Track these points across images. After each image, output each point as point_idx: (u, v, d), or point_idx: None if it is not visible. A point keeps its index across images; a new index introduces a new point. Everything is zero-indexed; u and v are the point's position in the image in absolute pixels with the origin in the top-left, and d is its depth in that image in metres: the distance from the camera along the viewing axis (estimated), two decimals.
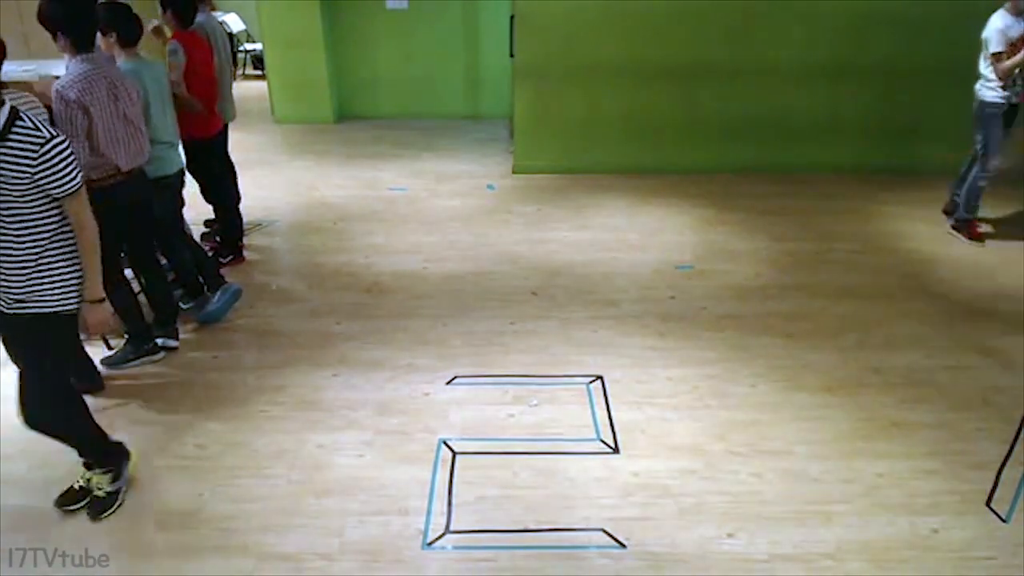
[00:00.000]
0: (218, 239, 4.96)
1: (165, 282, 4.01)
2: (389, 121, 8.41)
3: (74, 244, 2.51)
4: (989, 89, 5.01)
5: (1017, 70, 4.85)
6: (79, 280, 2.55)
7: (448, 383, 3.64)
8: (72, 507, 2.84)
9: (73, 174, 2.40)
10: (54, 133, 2.36)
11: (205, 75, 4.43)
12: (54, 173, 2.35)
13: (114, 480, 2.87)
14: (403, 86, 8.45)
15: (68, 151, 2.39)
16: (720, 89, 6.46)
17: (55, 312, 2.52)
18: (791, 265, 4.91)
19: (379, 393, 3.55)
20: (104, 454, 2.88)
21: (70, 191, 2.40)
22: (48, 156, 2.32)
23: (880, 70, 6.38)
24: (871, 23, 6.23)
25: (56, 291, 2.50)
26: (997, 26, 4.85)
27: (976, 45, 5.00)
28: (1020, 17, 4.82)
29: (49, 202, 2.41)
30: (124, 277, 3.78)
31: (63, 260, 2.50)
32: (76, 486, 2.88)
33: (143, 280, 3.93)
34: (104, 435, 2.88)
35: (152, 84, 3.80)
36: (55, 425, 2.71)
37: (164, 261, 4.45)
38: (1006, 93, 4.94)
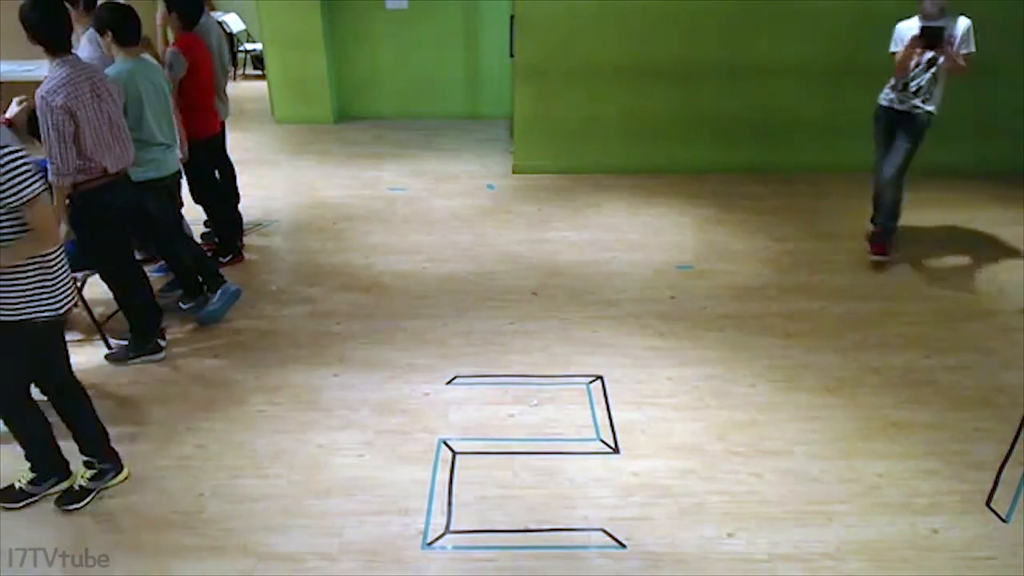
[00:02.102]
0: (216, 240, 4.95)
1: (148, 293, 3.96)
2: (389, 121, 8.41)
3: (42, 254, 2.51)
4: (884, 89, 4.78)
5: (914, 80, 4.56)
6: (52, 288, 2.56)
7: (448, 383, 3.64)
8: (72, 507, 2.84)
9: (29, 182, 2.38)
10: (4, 143, 2.36)
11: (204, 75, 4.43)
12: (9, 183, 2.33)
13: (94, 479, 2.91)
14: (403, 86, 8.44)
15: (21, 159, 2.37)
16: (720, 89, 6.46)
17: (25, 320, 2.53)
18: (791, 265, 4.91)
19: (379, 393, 3.55)
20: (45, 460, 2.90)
21: (25, 199, 2.37)
22: (2, 167, 2.32)
23: (879, 70, 6.32)
24: (871, 23, 6.21)
25: (26, 299, 2.50)
26: (899, 25, 4.65)
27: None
28: (927, 20, 4.49)
29: (4, 214, 2.38)
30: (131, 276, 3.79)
31: (31, 269, 2.49)
32: (76, 486, 2.88)
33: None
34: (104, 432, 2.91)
35: (147, 85, 3.79)
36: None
37: (163, 262, 4.47)
38: (892, 96, 4.70)
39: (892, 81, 4.70)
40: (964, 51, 4.49)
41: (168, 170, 4.03)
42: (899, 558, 2.65)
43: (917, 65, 4.54)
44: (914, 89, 4.60)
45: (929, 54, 4.48)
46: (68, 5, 3.32)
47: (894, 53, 4.63)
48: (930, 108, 4.63)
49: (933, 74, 4.54)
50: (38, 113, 3.17)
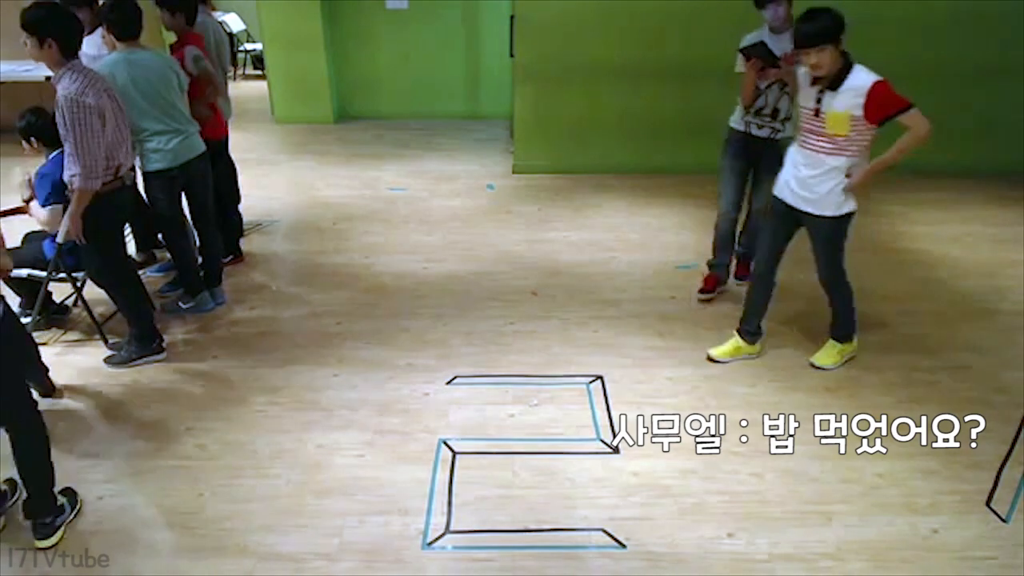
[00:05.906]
0: None
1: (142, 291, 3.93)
2: (389, 121, 8.41)
3: None
4: (735, 111, 4.12)
5: (771, 103, 3.93)
6: None
7: (448, 383, 3.64)
8: None
9: None
10: None
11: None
12: None
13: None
14: (403, 86, 8.44)
15: None
16: (720, 88, 6.41)
17: None
18: (791, 265, 4.89)
19: (379, 393, 3.55)
20: None
21: None
22: None
23: (880, 70, 6.35)
24: (870, 23, 6.21)
25: None
26: (744, 39, 3.96)
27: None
28: (775, 34, 3.89)
29: None
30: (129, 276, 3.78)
31: None
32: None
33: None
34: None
35: (136, 74, 3.68)
36: None
37: (160, 263, 4.46)
38: (749, 119, 4.02)
39: (741, 104, 4.04)
40: None
41: (174, 160, 3.89)
42: (899, 558, 2.65)
43: (769, 85, 3.89)
44: (770, 112, 3.95)
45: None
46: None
47: (741, 73, 3.97)
48: (790, 133, 3.89)
49: (787, 93, 3.87)
50: (65, 114, 3.13)
